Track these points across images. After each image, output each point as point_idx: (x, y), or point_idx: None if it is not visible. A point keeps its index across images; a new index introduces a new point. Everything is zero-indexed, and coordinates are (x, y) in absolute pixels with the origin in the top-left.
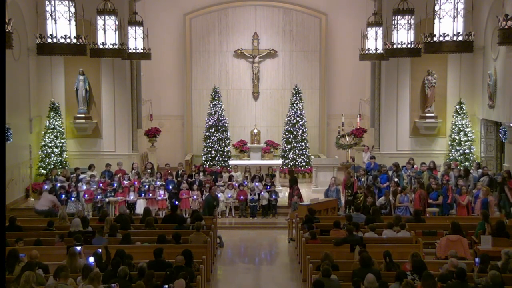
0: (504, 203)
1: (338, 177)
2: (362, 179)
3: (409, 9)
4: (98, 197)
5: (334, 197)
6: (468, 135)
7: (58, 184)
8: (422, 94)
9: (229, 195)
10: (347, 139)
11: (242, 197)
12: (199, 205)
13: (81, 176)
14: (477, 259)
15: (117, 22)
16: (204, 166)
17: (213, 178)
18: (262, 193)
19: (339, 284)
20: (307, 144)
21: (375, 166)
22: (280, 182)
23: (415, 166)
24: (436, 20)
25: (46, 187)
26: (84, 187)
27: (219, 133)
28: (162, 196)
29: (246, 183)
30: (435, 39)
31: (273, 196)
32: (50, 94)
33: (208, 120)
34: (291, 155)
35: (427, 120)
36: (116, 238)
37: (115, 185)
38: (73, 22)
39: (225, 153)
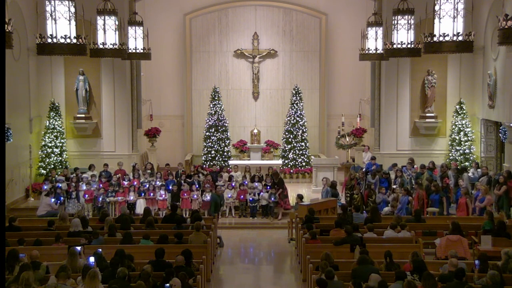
0: (503, 203)
1: (332, 177)
2: (362, 183)
3: (409, 9)
4: (100, 198)
5: (324, 197)
6: (468, 135)
7: (60, 185)
8: (422, 94)
9: (229, 195)
10: (347, 139)
11: (242, 196)
12: (199, 205)
13: (84, 175)
14: (477, 261)
15: (117, 22)
16: (204, 166)
17: (213, 178)
18: (262, 193)
19: (342, 284)
20: (307, 144)
21: (376, 166)
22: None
23: (415, 166)
24: (436, 20)
25: (45, 187)
26: (84, 187)
27: (219, 133)
28: (162, 196)
29: (245, 182)
30: (435, 39)
31: (272, 199)
32: (50, 94)
33: (208, 120)
34: (291, 155)
35: (427, 120)
36: (116, 238)
37: (114, 184)
38: (73, 22)
39: (225, 153)
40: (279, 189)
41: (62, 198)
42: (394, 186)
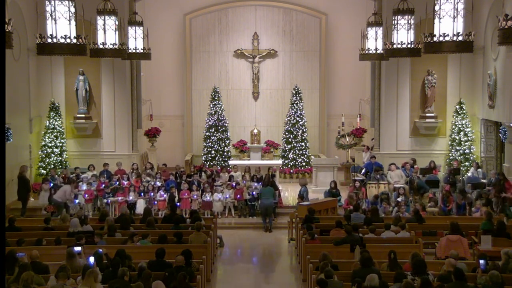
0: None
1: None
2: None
3: (409, 9)
4: (107, 200)
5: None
6: (468, 135)
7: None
8: (422, 94)
9: (227, 196)
10: (347, 139)
11: (239, 196)
12: (199, 205)
13: (83, 175)
14: (482, 261)
15: (117, 22)
16: (205, 166)
17: (212, 178)
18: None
19: (342, 284)
20: (307, 144)
21: (376, 164)
22: (280, 182)
23: (415, 166)
24: (436, 20)
25: (51, 184)
26: (85, 187)
27: (219, 133)
28: (163, 196)
29: (245, 182)
30: (435, 39)
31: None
32: (50, 94)
33: (208, 120)
34: (291, 155)
35: (427, 120)
36: (115, 238)
37: (113, 185)
38: (73, 22)
39: (225, 153)
40: (276, 189)
41: None
42: (399, 199)
